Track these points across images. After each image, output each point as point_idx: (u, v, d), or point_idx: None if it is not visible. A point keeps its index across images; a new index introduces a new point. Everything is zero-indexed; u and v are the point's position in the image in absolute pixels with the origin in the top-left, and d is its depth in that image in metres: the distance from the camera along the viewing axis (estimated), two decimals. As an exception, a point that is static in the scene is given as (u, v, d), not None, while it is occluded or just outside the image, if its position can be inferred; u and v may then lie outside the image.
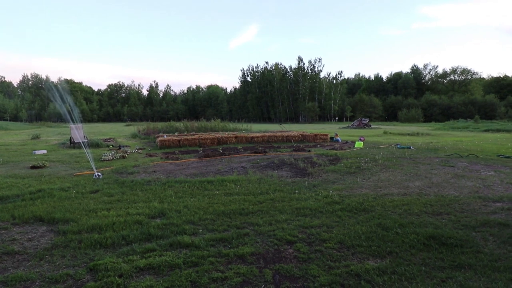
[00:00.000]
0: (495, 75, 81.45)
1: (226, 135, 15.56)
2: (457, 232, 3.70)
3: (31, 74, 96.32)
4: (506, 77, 74.86)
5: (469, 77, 76.92)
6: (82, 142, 12.97)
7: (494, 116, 54.58)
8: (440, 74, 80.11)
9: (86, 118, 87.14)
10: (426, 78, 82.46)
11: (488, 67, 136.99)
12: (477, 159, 9.50)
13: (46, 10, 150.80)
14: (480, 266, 2.92)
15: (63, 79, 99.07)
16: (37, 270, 2.95)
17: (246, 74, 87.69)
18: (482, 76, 79.20)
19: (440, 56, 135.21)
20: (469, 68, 77.44)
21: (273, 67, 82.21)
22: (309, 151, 11.79)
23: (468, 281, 2.67)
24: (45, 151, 12.17)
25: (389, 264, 2.97)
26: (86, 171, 7.92)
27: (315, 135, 16.63)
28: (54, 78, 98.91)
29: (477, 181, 6.51)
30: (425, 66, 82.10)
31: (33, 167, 8.49)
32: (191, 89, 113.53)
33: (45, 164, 8.81)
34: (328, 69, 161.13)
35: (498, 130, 26.53)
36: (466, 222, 4.08)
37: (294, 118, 77.04)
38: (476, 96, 65.99)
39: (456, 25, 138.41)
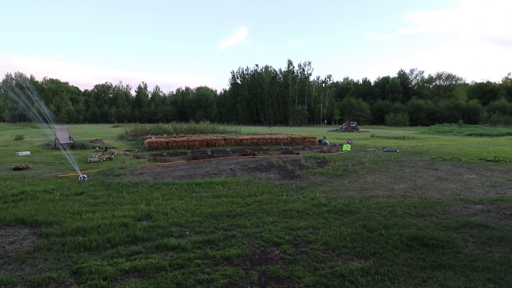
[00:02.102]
0: (478, 81, 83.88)
1: (215, 137, 15.52)
2: (438, 233, 3.80)
3: (15, 73, 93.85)
4: (488, 83, 77.14)
5: (454, 82, 79.01)
6: (62, 144, 12.62)
7: (477, 121, 56.07)
8: (426, 79, 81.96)
9: (72, 119, 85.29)
10: (413, 83, 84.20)
11: (472, 73, 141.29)
12: (460, 162, 9.77)
13: (30, 8, 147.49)
14: (460, 266, 3.02)
15: (48, 78, 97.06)
16: (19, 273, 2.88)
17: (236, 77, 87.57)
18: (466, 82, 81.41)
19: (425, 62, 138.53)
20: (453, 74, 79.70)
21: (263, 70, 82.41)
22: (297, 153, 11.88)
23: (448, 281, 2.75)
24: (28, 152, 11.88)
25: (373, 265, 3.03)
26: (71, 173, 7.77)
27: (304, 137, 16.78)
28: (39, 78, 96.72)
29: (459, 183, 6.70)
30: (412, 71, 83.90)
31: (16, 169, 8.28)
32: (181, 90, 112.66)
33: (28, 165, 8.60)
34: (317, 73, 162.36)
35: (480, 135, 27.26)
36: (448, 223, 4.19)
37: (283, 121, 77.38)
38: (460, 101, 67.71)
39: (441, 31, 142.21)
